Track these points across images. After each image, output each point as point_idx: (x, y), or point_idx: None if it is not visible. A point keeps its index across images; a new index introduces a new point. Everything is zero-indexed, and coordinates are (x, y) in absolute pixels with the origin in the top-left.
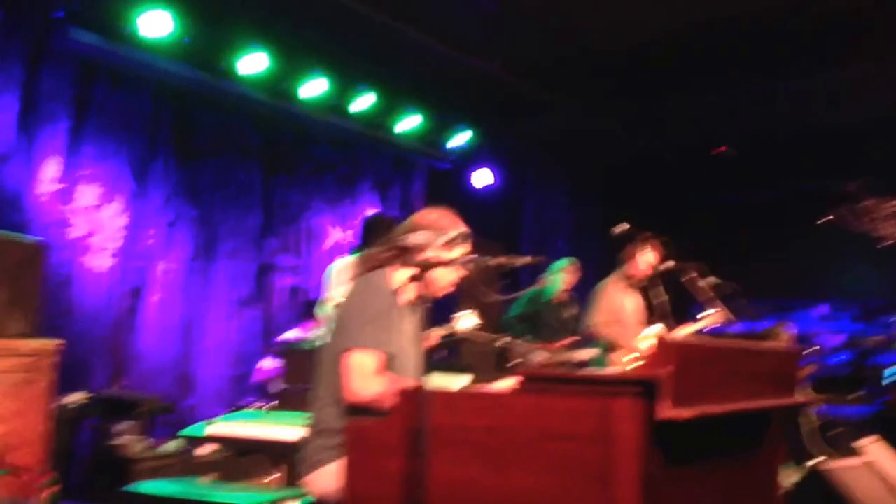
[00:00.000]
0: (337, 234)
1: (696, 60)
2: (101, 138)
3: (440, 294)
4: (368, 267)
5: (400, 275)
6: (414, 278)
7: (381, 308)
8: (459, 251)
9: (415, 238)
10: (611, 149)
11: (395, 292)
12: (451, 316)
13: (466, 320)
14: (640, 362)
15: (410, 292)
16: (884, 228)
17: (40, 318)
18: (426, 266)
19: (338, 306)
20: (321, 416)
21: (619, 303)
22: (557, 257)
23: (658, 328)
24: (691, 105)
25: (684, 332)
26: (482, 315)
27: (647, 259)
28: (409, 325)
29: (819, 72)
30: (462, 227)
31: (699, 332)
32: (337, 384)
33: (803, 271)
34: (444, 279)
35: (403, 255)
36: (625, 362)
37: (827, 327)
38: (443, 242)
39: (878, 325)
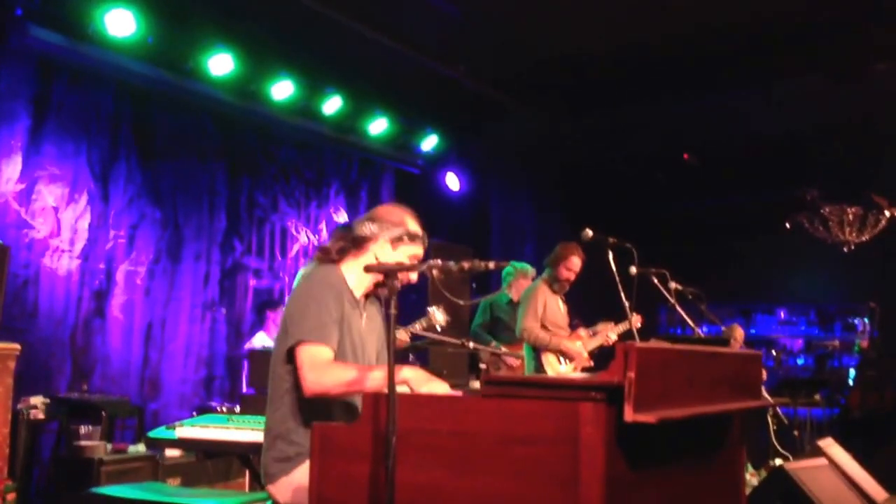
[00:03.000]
0: (303, 238)
1: (657, 70)
2: (61, 138)
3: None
4: (322, 260)
5: (348, 268)
6: (368, 270)
7: (326, 303)
8: (407, 250)
9: (362, 229)
10: (574, 155)
11: (341, 287)
12: (427, 309)
13: (440, 314)
14: (590, 365)
15: (362, 287)
16: (841, 235)
17: (1, 321)
18: (377, 268)
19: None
20: (277, 421)
21: (549, 306)
22: (526, 261)
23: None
24: (653, 114)
25: (612, 334)
26: (452, 319)
27: (573, 264)
28: (360, 319)
29: (776, 82)
30: (412, 227)
31: (624, 334)
32: (288, 387)
33: (761, 277)
34: (363, 267)
35: (353, 247)
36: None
37: (785, 331)
38: (388, 238)
39: (835, 329)
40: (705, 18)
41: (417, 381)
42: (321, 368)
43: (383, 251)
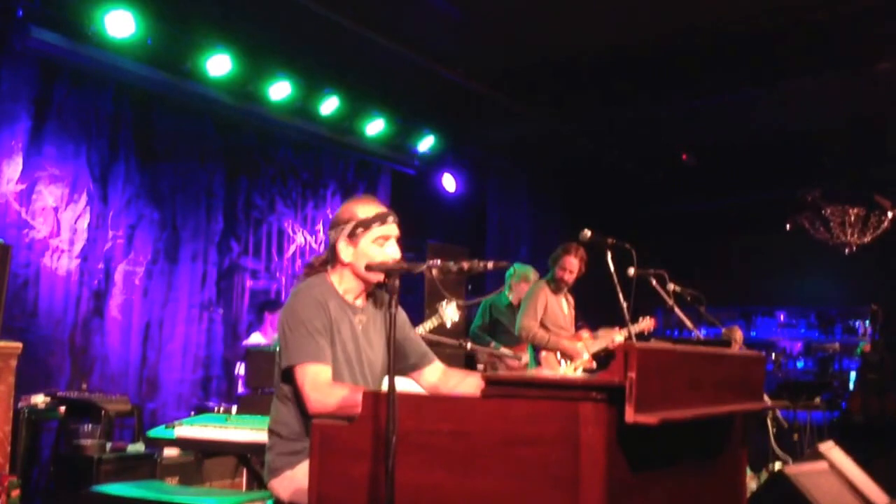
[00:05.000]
0: (300, 239)
1: (657, 70)
2: (61, 139)
3: (375, 281)
4: (309, 274)
5: (336, 274)
6: (369, 269)
7: (311, 320)
8: (369, 236)
9: (330, 239)
10: (573, 156)
11: (328, 295)
12: (437, 306)
13: (451, 310)
14: (592, 367)
15: (353, 290)
16: (843, 236)
17: (2, 320)
18: (378, 267)
19: None
20: (280, 419)
21: (549, 306)
22: (521, 262)
23: (617, 333)
24: (653, 114)
25: (617, 337)
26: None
27: (569, 264)
28: (353, 323)
29: (777, 81)
30: (361, 214)
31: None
32: (290, 393)
33: (762, 278)
34: (364, 266)
35: (332, 256)
36: (574, 366)
37: (785, 334)
38: (345, 238)
39: (836, 332)
40: (705, 16)
41: None
42: (323, 389)
43: (348, 251)
